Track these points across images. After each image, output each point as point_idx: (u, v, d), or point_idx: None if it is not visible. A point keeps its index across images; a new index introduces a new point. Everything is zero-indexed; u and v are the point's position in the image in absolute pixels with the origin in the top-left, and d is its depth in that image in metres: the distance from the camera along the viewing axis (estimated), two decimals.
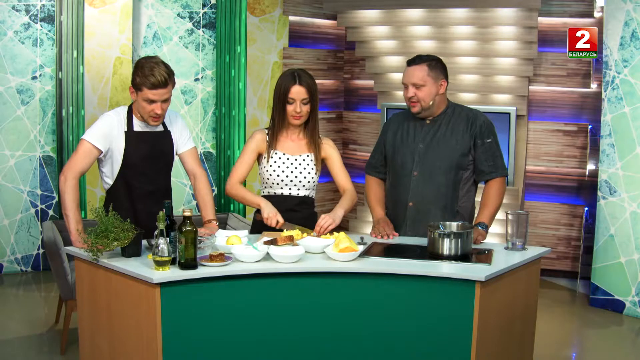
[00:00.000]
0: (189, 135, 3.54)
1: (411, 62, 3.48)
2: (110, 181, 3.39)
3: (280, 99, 3.40)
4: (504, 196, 3.51)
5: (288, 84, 3.38)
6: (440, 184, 3.46)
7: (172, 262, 2.79)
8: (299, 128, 3.49)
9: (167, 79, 3.24)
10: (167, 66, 3.28)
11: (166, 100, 3.28)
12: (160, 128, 3.43)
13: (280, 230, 3.27)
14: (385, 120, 6.22)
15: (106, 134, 3.31)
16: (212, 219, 3.42)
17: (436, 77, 3.44)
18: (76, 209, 3.21)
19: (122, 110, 3.39)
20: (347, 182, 3.55)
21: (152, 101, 3.25)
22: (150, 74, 3.21)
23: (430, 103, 3.44)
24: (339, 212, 3.36)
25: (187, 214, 2.79)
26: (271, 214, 3.30)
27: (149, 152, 3.36)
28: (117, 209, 3.04)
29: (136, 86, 3.26)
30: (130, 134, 3.34)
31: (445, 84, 3.47)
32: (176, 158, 3.54)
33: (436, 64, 3.46)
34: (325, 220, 3.28)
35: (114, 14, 5.78)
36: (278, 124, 3.46)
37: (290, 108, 3.40)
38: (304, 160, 3.49)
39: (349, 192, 3.52)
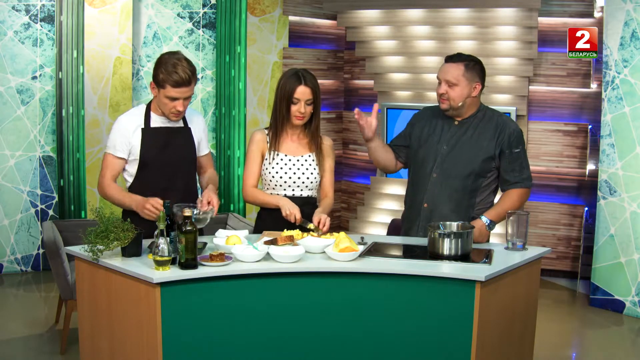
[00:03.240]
0: (207, 139, 3.54)
1: (449, 59, 3.41)
2: (130, 179, 3.39)
3: (284, 99, 3.39)
4: (522, 205, 3.44)
5: (293, 84, 3.37)
6: (457, 189, 3.41)
7: (172, 262, 2.79)
8: (300, 128, 3.48)
9: (191, 77, 3.21)
10: (190, 63, 3.24)
11: (188, 98, 3.27)
12: (180, 124, 3.41)
13: (282, 228, 3.27)
14: (385, 121, 6.24)
15: (121, 138, 3.31)
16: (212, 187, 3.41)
17: (471, 78, 3.36)
18: (121, 192, 3.27)
19: (140, 108, 3.39)
20: (330, 188, 3.56)
21: (174, 98, 3.23)
22: (173, 71, 3.17)
23: (460, 104, 3.38)
24: (324, 213, 3.37)
25: (187, 214, 2.79)
26: (290, 210, 3.32)
27: (166, 147, 3.33)
28: (133, 211, 3.16)
29: (158, 83, 3.22)
30: (146, 130, 3.33)
31: (480, 87, 3.39)
32: None
33: (474, 66, 3.38)
34: (323, 218, 3.30)
35: (114, 14, 5.78)
36: (280, 123, 3.45)
37: (294, 108, 3.39)
38: (305, 160, 3.49)
39: (330, 200, 3.54)
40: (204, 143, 3.51)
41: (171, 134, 3.37)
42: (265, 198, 3.46)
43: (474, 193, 3.43)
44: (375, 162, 3.67)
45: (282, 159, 3.46)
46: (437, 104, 3.50)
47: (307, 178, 3.47)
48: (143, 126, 3.33)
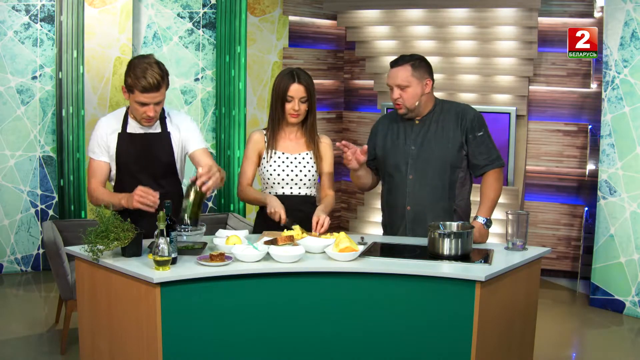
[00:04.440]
0: (198, 136, 3.41)
1: (394, 64, 3.42)
2: (112, 182, 3.39)
3: (279, 97, 3.42)
4: (502, 186, 3.48)
5: (287, 82, 3.39)
6: (436, 186, 3.44)
7: (172, 262, 2.79)
8: (296, 127, 3.50)
9: (160, 82, 3.14)
10: (160, 67, 3.17)
11: (159, 103, 3.20)
12: (157, 130, 3.34)
13: (282, 228, 3.27)
14: None
15: (99, 143, 3.28)
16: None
17: (420, 76, 3.38)
18: (109, 193, 3.23)
19: (120, 112, 3.35)
20: (330, 186, 3.56)
21: (143, 104, 3.17)
22: (142, 77, 3.10)
23: (416, 104, 3.40)
24: (323, 213, 3.36)
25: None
26: (275, 209, 3.32)
27: (141, 154, 3.28)
28: (133, 211, 3.11)
29: (128, 87, 3.17)
30: (122, 135, 3.28)
31: (431, 82, 3.42)
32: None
33: (420, 63, 3.40)
34: (322, 218, 3.29)
35: (114, 14, 5.78)
36: (276, 122, 3.47)
37: (288, 106, 3.41)
38: (303, 158, 3.50)
39: (331, 198, 3.54)
40: (193, 140, 3.38)
41: (147, 141, 3.30)
42: (255, 196, 3.49)
43: (453, 185, 3.46)
44: (360, 187, 3.64)
45: (279, 157, 3.48)
46: (394, 109, 3.51)
47: (305, 175, 3.48)
48: (120, 130, 3.29)
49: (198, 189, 2.97)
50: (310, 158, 3.51)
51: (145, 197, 3.05)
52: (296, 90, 3.39)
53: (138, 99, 3.16)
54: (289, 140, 3.51)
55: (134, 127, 3.31)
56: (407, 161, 3.46)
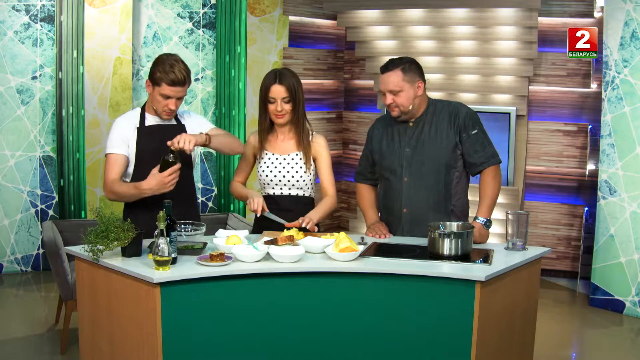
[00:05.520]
0: (207, 121, 3.58)
1: (384, 69, 3.41)
2: (127, 179, 3.40)
3: (262, 99, 3.44)
4: (500, 184, 3.47)
5: (269, 83, 3.41)
6: (432, 187, 3.43)
7: (173, 262, 2.79)
8: (286, 127, 3.50)
9: (186, 77, 3.30)
10: (185, 65, 3.35)
11: (180, 98, 3.35)
12: (173, 122, 3.47)
13: (282, 228, 3.27)
14: None
15: (120, 138, 3.36)
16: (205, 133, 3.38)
17: (412, 80, 3.37)
18: (129, 185, 3.31)
19: (135, 111, 3.47)
20: (330, 186, 3.54)
21: (168, 97, 3.31)
22: (170, 71, 3.26)
23: (410, 107, 3.40)
24: (312, 216, 3.36)
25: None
26: (253, 200, 3.34)
27: (161, 143, 3.34)
28: (134, 211, 3.24)
29: (155, 81, 3.31)
30: (141, 129, 3.38)
31: (423, 84, 3.41)
32: None
33: (410, 67, 3.39)
34: (311, 221, 3.31)
35: (114, 14, 5.78)
36: (264, 124, 3.49)
37: (271, 107, 3.42)
38: (292, 159, 3.49)
39: (330, 199, 3.52)
40: (204, 125, 3.52)
41: (165, 131, 3.39)
42: (241, 191, 3.54)
43: (448, 185, 3.45)
44: None
45: (269, 158, 3.50)
46: (388, 113, 3.52)
47: (293, 176, 3.48)
48: (138, 125, 3.39)
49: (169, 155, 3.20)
50: (300, 159, 3.50)
51: (174, 177, 3.22)
52: (277, 91, 3.39)
53: (163, 91, 3.30)
54: (279, 141, 3.52)
55: (151, 121, 3.42)
56: (401, 164, 3.46)
